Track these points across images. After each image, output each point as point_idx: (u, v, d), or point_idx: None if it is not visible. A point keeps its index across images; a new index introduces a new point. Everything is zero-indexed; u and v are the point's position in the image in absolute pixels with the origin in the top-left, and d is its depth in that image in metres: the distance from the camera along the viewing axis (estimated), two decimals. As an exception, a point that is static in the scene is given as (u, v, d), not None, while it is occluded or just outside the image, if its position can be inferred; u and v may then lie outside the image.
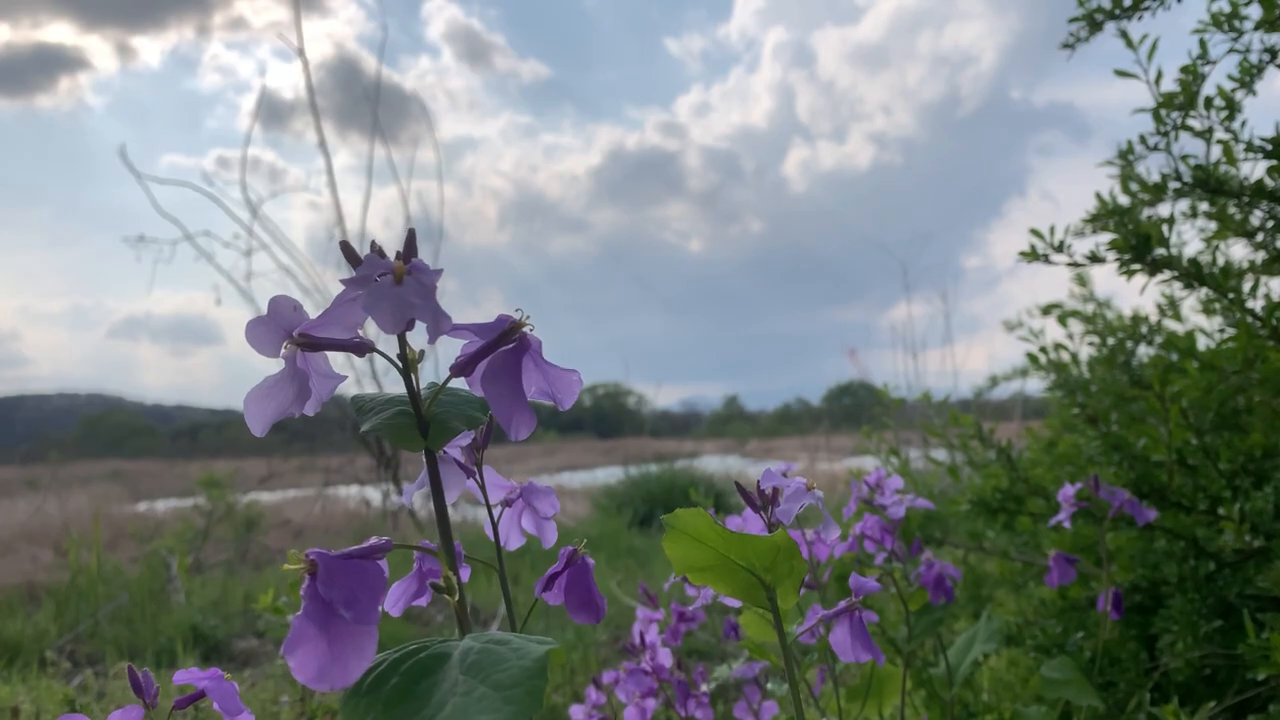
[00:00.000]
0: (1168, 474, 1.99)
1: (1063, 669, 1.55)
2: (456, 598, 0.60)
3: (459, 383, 0.65)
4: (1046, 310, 3.04)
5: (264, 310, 0.59)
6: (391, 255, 0.56)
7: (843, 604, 0.97)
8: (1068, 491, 1.59)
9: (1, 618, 5.41)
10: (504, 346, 0.59)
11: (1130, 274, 1.63)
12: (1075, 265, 1.66)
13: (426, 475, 0.85)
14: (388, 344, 0.62)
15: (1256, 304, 1.82)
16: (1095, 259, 1.62)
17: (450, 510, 0.74)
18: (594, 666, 3.89)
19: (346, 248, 0.56)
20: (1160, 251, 1.65)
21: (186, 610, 5.53)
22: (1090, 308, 2.71)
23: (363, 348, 0.59)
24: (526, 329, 0.60)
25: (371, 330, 0.63)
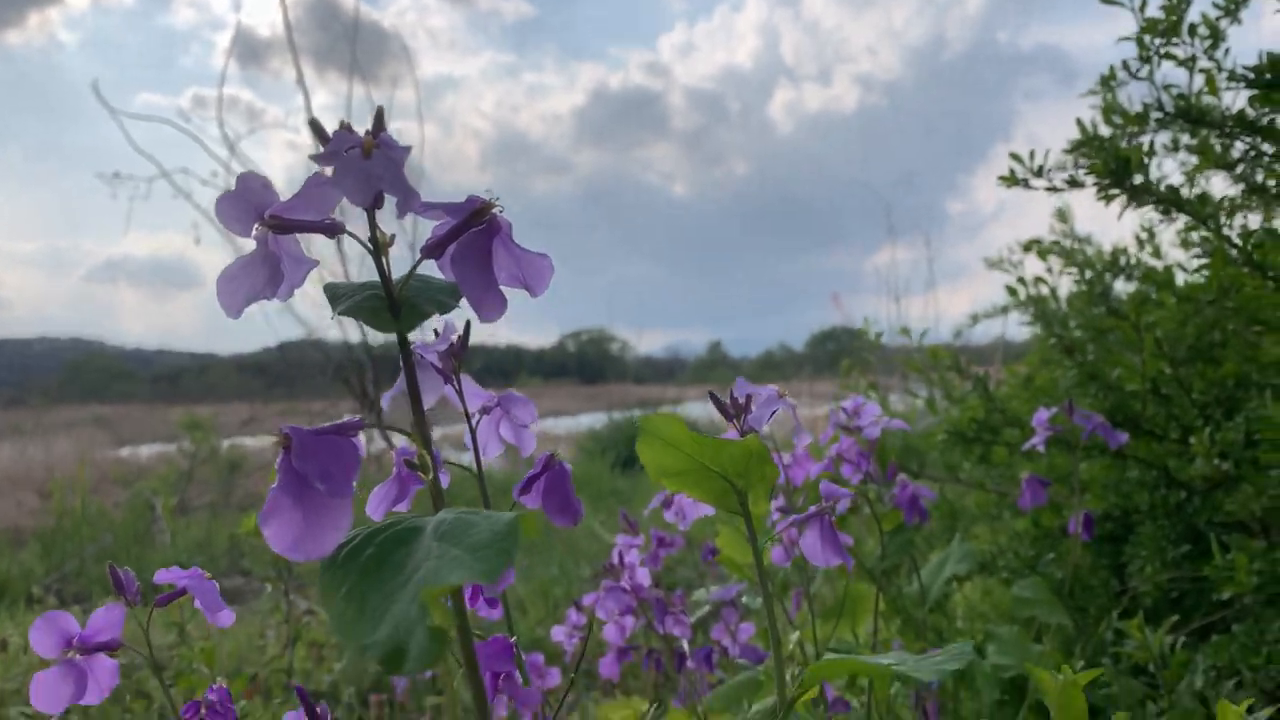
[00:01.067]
0: (1142, 403, 2.02)
1: (1034, 589, 1.58)
2: (431, 476, 0.61)
3: (434, 272, 0.65)
4: (1028, 246, 3.05)
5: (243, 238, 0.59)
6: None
7: (813, 509, 0.99)
8: (1042, 416, 1.61)
9: (-14, 557, 5.43)
10: (474, 227, 0.59)
11: (1108, 199, 1.64)
12: (1054, 190, 1.66)
13: (403, 377, 0.85)
14: (360, 229, 0.62)
15: (1233, 233, 1.83)
16: (1074, 183, 1.63)
17: (427, 417, 0.74)
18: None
19: (315, 125, 0.56)
20: (1139, 178, 1.65)
21: (172, 550, 5.57)
22: (1070, 243, 2.72)
23: (333, 229, 0.59)
24: (496, 210, 0.60)
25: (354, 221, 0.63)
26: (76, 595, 5.05)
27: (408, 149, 0.54)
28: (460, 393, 0.94)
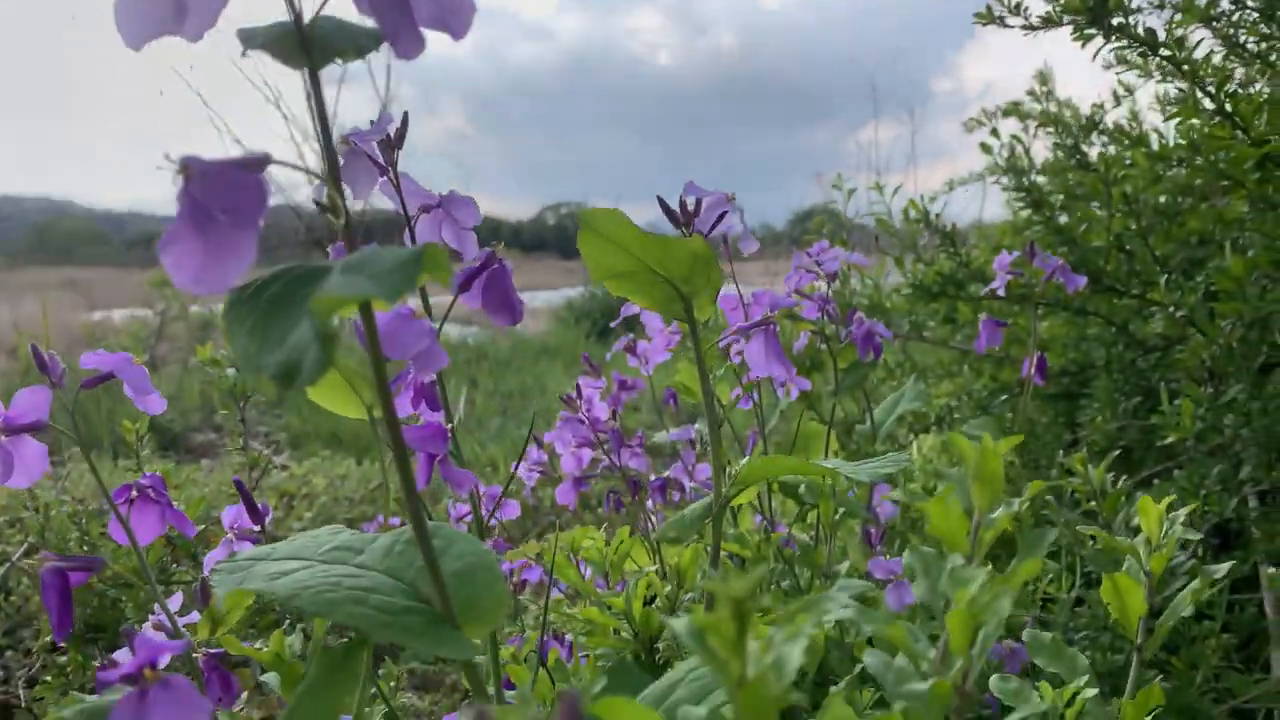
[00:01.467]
0: (1105, 258, 2.01)
1: (983, 427, 1.60)
2: (343, 220, 0.59)
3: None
4: (1008, 111, 2.99)
5: None
6: None
7: (758, 316, 0.98)
8: (1004, 259, 1.60)
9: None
10: (389, -42, 0.56)
11: (1085, 40, 1.60)
12: (1030, 28, 1.61)
13: (344, 165, 0.83)
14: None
15: (1210, 85, 1.79)
16: (1050, 21, 1.58)
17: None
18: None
19: None
20: (1118, 20, 1.61)
21: (142, 404, 5.56)
22: (1051, 106, 2.67)
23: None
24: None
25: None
26: (49, 448, 5.08)
27: None
28: (398, 186, 0.92)
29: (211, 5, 0.57)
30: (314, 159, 7.93)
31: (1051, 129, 2.41)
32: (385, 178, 0.90)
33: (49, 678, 1.73)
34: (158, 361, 6.72)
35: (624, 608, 1.12)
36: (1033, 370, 1.57)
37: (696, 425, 1.88)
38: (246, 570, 0.75)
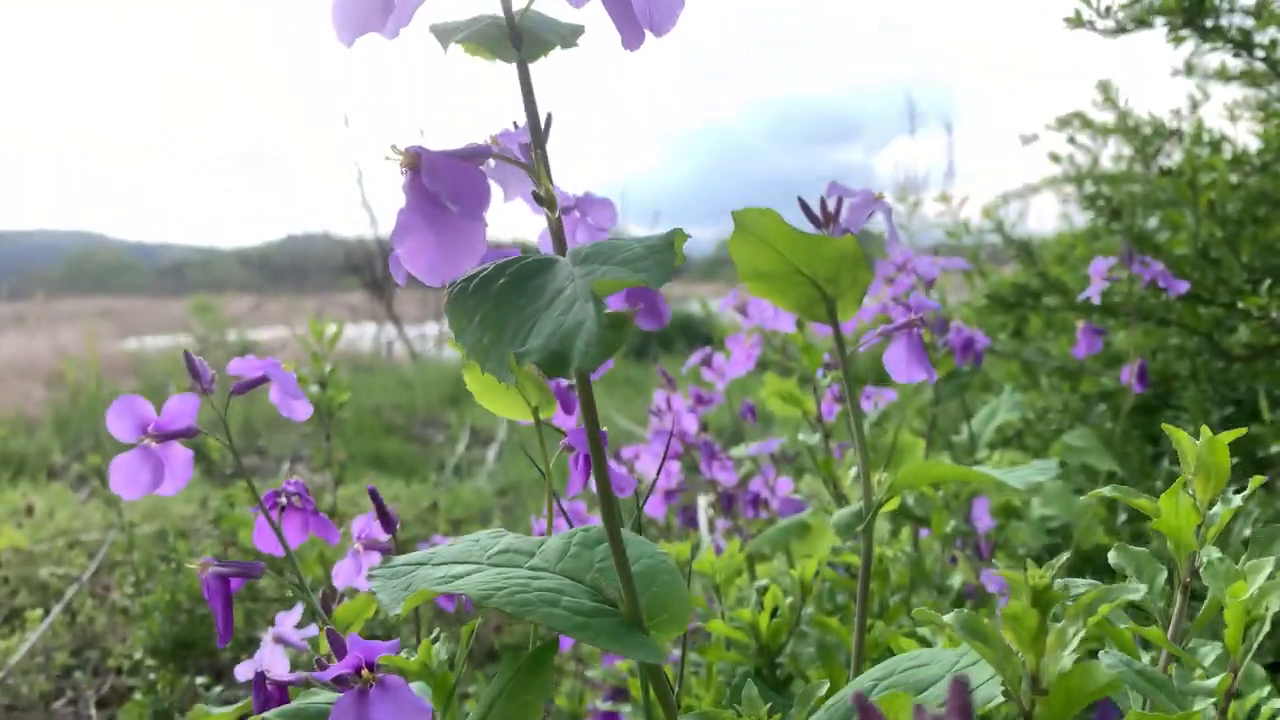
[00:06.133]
0: (1191, 266, 1.98)
1: (1084, 437, 1.57)
2: (556, 214, 0.58)
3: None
4: (1066, 121, 2.97)
5: None
6: None
7: (902, 319, 0.96)
8: (1099, 265, 1.57)
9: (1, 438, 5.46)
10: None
11: (1179, 40, 1.58)
12: (1121, 31, 1.60)
13: (493, 168, 0.82)
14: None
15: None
16: (1142, 21, 1.56)
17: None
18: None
19: None
20: (1210, 21, 1.59)
21: (187, 429, 5.59)
22: (1111, 117, 2.66)
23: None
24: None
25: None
26: (96, 470, 5.11)
27: None
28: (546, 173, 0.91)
29: (409, 5, 0.57)
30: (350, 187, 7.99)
31: (1123, 136, 2.39)
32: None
33: (139, 694, 1.72)
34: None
35: (751, 619, 1.10)
36: (1134, 378, 1.54)
37: (778, 441, 1.87)
38: (411, 575, 0.74)
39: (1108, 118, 2.68)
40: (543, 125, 0.59)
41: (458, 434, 5.68)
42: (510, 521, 3.86)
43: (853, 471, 1.35)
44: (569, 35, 0.58)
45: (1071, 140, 2.27)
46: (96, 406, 5.93)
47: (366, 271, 7.53)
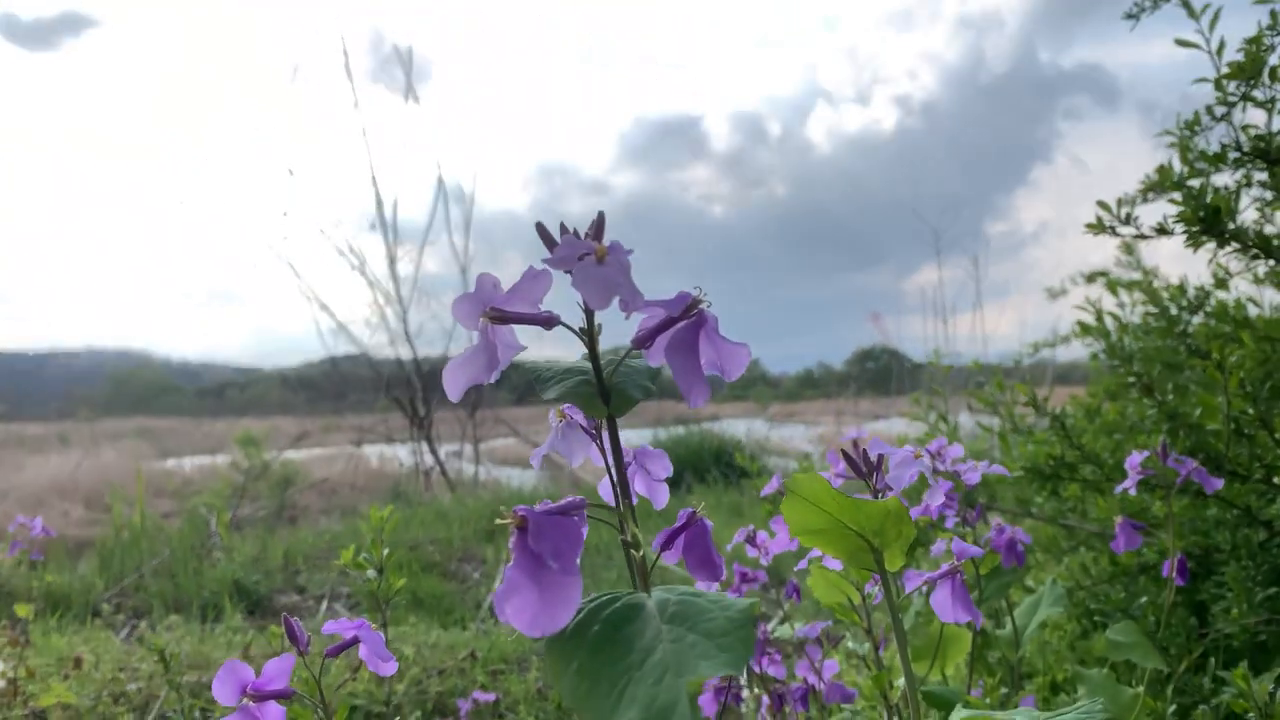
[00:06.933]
0: (1224, 443, 2.02)
1: (1127, 632, 1.59)
2: (641, 553, 0.65)
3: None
4: (1091, 278, 3.06)
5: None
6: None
7: (945, 567, 1.02)
8: (1134, 460, 1.62)
9: (45, 570, 5.54)
10: (685, 321, 0.64)
11: (1198, 246, 1.66)
12: (1142, 238, 1.68)
13: (560, 437, 0.90)
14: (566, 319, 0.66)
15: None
16: (1163, 231, 1.65)
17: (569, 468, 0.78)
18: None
19: (541, 229, 0.61)
20: (1230, 225, 1.67)
21: (228, 566, 5.66)
22: (1136, 274, 2.74)
23: (550, 321, 0.63)
24: (704, 305, 0.64)
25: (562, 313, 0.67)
26: (137, 609, 5.16)
27: (631, 251, 0.59)
28: (616, 439, 0.98)
29: (507, 356, 0.65)
30: (393, 317, 8.22)
31: (1152, 306, 2.46)
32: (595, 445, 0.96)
33: None
34: (240, 520, 6.85)
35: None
36: (1174, 572, 1.57)
37: (824, 624, 1.89)
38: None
39: (1134, 275, 2.77)
40: (625, 462, 0.66)
41: (494, 570, 5.70)
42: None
43: (899, 683, 1.39)
44: (650, 386, 0.66)
45: (1099, 316, 2.34)
46: (140, 540, 6.02)
47: (407, 401, 7.66)
